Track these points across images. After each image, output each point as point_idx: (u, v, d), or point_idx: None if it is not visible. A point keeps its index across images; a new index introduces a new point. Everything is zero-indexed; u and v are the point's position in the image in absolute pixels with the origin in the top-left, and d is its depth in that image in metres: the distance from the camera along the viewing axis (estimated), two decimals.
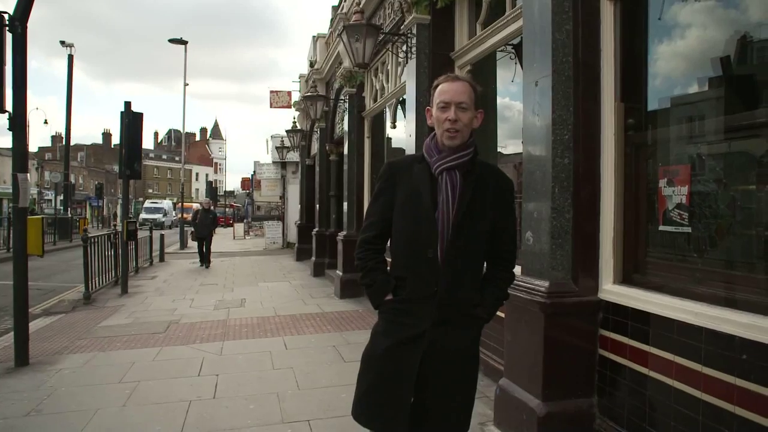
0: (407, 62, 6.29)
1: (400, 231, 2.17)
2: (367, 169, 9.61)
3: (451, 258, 2.06)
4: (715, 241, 2.82)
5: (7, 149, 30.72)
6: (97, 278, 9.38)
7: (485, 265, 2.26)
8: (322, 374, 4.89)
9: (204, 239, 14.14)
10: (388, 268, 2.25)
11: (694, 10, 3.05)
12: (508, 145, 5.35)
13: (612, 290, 3.26)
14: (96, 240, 9.57)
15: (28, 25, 5.21)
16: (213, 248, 14.67)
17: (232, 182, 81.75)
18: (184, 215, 24.18)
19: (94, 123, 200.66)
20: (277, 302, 8.84)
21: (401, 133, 7.76)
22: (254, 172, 28.66)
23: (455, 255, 2.06)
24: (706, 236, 2.83)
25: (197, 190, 74.50)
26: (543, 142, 3.42)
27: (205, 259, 14.17)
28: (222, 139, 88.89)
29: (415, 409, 2.08)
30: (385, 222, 2.20)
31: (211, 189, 37.62)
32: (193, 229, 15.36)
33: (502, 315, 3.77)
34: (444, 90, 2.11)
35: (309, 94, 11.95)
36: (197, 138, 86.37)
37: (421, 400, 2.09)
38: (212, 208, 15.60)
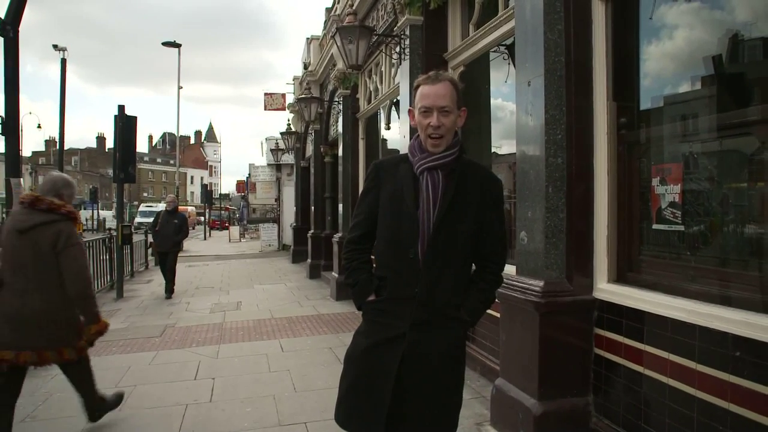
0: (401, 63, 6.30)
1: (383, 231, 2.14)
2: (361, 170, 9.60)
3: (432, 259, 2.03)
4: (708, 239, 2.83)
5: (0, 154, 30.60)
6: (92, 283, 9.32)
7: (473, 266, 2.22)
8: (318, 376, 4.89)
9: (167, 255, 9.69)
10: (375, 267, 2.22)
11: (685, 10, 3.07)
12: (502, 145, 5.37)
13: (606, 289, 3.28)
14: (91, 244, 9.54)
15: (21, 29, 5.20)
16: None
17: (227, 185, 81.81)
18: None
19: (88, 127, 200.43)
20: (273, 305, 8.83)
21: (395, 134, 7.77)
22: (249, 174, 28.65)
23: (436, 256, 2.03)
24: (698, 234, 2.84)
25: (192, 193, 74.34)
26: (536, 142, 3.43)
27: (167, 284, 9.73)
28: (217, 141, 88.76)
29: (396, 411, 2.02)
30: (371, 221, 2.18)
31: (206, 192, 37.54)
32: (152, 240, 10.63)
33: (498, 315, 3.78)
34: (425, 93, 2.05)
35: (303, 96, 11.94)
36: (192, 141, 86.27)
37: (402, 403, 2.03)
38: (179, 209, 10.45)
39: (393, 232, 2.09)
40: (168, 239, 9.61)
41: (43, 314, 3.32)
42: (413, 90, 2.15)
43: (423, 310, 2.03)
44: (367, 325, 2.16)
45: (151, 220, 10.51)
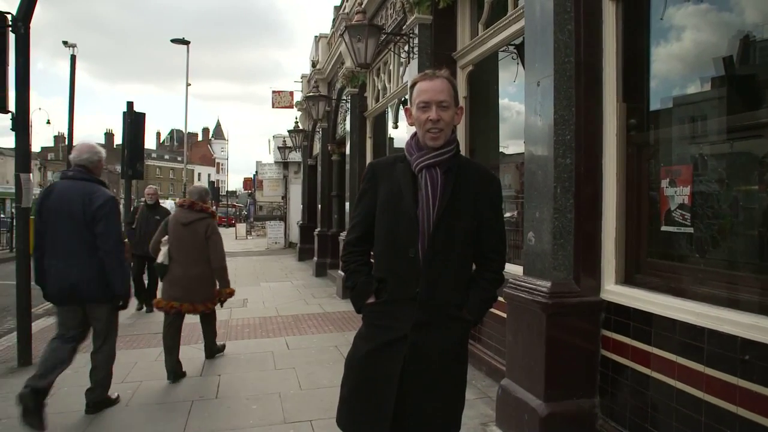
0: (409, 62, 6.30)
1: (381, 231, 2.12)
2: None
3: (432, 257, 2.01)
4: (717, 242, 2.81)
5: (10, 149, 30.81)
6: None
7: (474, 266, 2.21)
8: (323, 374, 4.90)
9: (146, 260, 7.69)
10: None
11: (696, 11, 3.05)
12: (510, 145, 5.35)
13: (614, 290, 3.26)
14: None
15: (32, 26, 5.23)
16: None
17: (234, 182, 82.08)
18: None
19: (97, 123, 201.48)
20: (279, 302, 8.85)
21: (403, 133, 7.76)
22: (256, 172, 28.71)
23: (436, 254, 2.01)
24: (707, 237, 2.82)
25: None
26: (545, 143, 3.42)
27: (145, 295, 7.96)
28: (224, 139, 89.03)
29: (400, 413, 2.01)
30: (368, 223, 2.16)
31: (213, 189, 37.67)
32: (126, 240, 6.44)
33: (504, 315, 3.77)
34: (423, 89, 2.05)
35: (311, 94, 11.96)
36: (199, 138, 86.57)
37: (405, 404, 2.01)
38: (160, 202, 8.53)
39: (392, 231, 2.08)
40: (148, 239, 6.93)
41: (196, 279, 4.97)
42: (410, 89, 2.15)
43: (424, 310, 2.01)
44: (368, 329, 2.15)
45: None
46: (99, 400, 4.02)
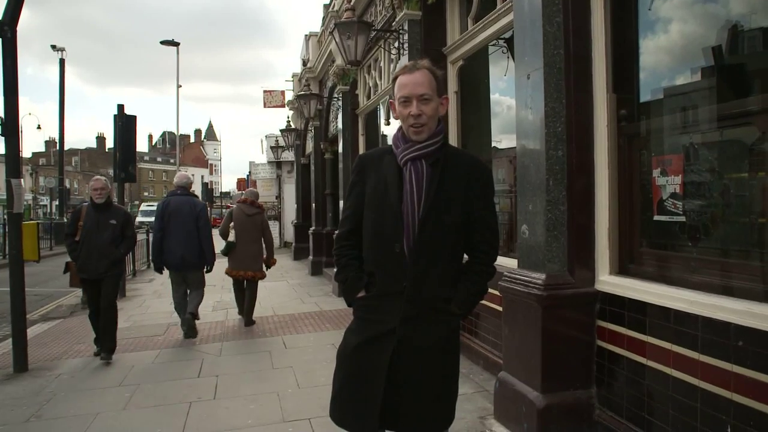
0: (399, 59, 6.29)
1: (368, 225, 2.11)
2: None
3: (418, 252, 2.00)
4: (709, 230, 2.83)
5: (0, 155, 30.62)
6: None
7: (464, 258, 2.19)
8: (321, 372, 4.89)
9: (99, 284, 5.42)
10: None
11: (683, 2, 3.06)
12: (502, 139, 5.35)
13: (608, 281, 3.27)
14: None
15: (20, 30, 5.21)
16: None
17: (227, 183, 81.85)
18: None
19: (89, 127, 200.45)
20: (276, 302, 8.85)
21: (395, 130, 7.75)
22: (249, 172, 28.61)
23: (422, 249, 2.00)
24: (699, 225, 2.84)
25: (193, 191, 74.30)
26: (536, 135, 3.42)
27: (102, 337, 5.43)
28: (216, 140, 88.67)
29: (392, 406, 2.02)
30: (359, 216, 2.15)
31: (207, 190, 37.53)
32: (70, 259, 5.63)
33: (500, 308, 3.79)
34: (403, 83, 2.03)
35: (302, 92, 11.92)
36: (192, 140, 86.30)
37: (396, 398, 2.02)
38: (115, 199, 6.91)
39: (377, 226, 2.07)
40: (100, 255, 5.34)
41: (252, 254, 7.13)
42: (392, 82, 2.13)
43: (412, 304, 2.01)
44: (358, 323, 2.16)
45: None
46: (192, 325, 6.24)
